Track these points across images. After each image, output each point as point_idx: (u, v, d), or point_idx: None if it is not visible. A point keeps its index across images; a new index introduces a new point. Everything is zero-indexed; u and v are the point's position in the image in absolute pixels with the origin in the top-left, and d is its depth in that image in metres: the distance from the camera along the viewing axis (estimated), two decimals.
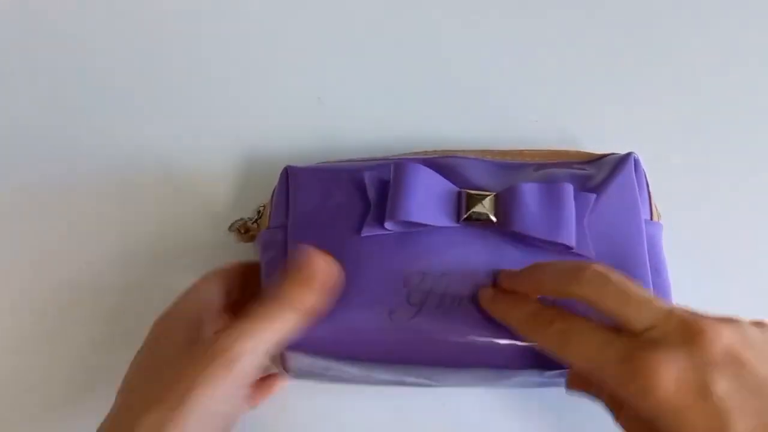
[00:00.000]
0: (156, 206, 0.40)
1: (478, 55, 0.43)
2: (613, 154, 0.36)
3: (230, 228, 0.37)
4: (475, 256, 0.31)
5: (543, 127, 0.42)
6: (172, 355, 0.29)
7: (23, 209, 0.40)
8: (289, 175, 0.34)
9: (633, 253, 0.32)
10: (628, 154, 0.35)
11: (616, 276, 0.26)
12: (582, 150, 0.37)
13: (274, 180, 0.36)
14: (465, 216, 0.31)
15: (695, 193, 0.40)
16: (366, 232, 0.31)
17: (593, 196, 0.32)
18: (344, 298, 0.30)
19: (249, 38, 0.44)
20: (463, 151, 0.36)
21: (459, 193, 0.32)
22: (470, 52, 0.43)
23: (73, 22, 0.44)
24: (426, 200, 0.31)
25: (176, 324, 0.30)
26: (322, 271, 0.30)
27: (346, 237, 0.32)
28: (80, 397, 0.37)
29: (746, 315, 0.26)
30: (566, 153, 0.36)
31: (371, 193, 0.32)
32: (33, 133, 0.41)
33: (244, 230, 0.37)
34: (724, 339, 0.24)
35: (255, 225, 0.36)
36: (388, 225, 0.31)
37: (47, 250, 0.39)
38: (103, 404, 0.29)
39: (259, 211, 0.36)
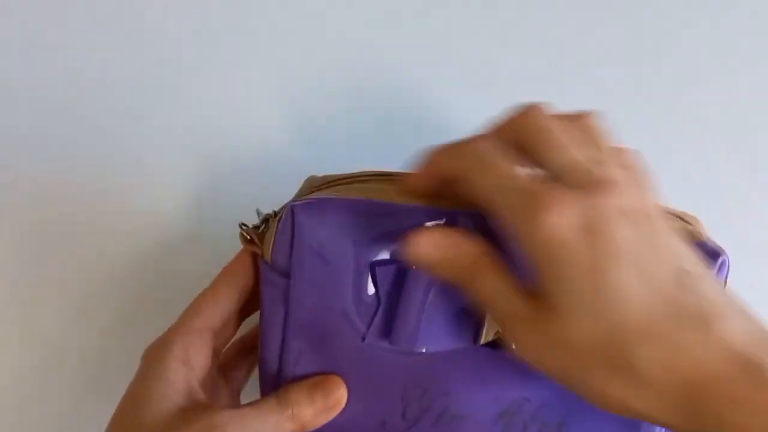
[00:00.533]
0: (160, 203, 0.40)
1: (477, 53, 0.42)
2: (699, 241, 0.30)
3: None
4: (485, 378, 0.29)
5: None
6: (157, 413, 0.27)
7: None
8: (294, 221, 0.29)
9: None
10: (717, 254, 0.29)
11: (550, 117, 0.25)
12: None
13: (272, 180, 0.35)
14: (482, 341, 0.28)
15: (695, 194, 0.39)
16: (369, 340, 0.29)
17: None
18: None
19: (248, 36, 0.42)
20: None
21: (480, 320, 0.28)
22: (470, 47, 0.42)
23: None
24: (439, 327, 0.28)
25: (167, 362, 0.29)
26: (335, 399, 0.30)
27: (347, 333, 0.29)
28: None
29: None
30: None
31: (381, 293, 0.28)
32: (36, 135, 0.41)
33: (248, 237, 0.32)
34: (633, 195, 0.23)
35: (257, 237, 0.31)
36: (394, 348, 0.28)
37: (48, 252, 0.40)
38: None
39: (267, 219, 0.31)
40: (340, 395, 0.30)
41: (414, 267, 0.27)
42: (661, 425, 0.24)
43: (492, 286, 0.26)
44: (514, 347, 0.26)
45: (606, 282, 0.23)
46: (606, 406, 0.24)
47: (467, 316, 0.28)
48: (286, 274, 0.29)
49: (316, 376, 0.30)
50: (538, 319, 0.24)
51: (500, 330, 0.27)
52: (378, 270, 0.28)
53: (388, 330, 0.28)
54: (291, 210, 0.29)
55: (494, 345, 0.29)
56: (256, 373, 0.34)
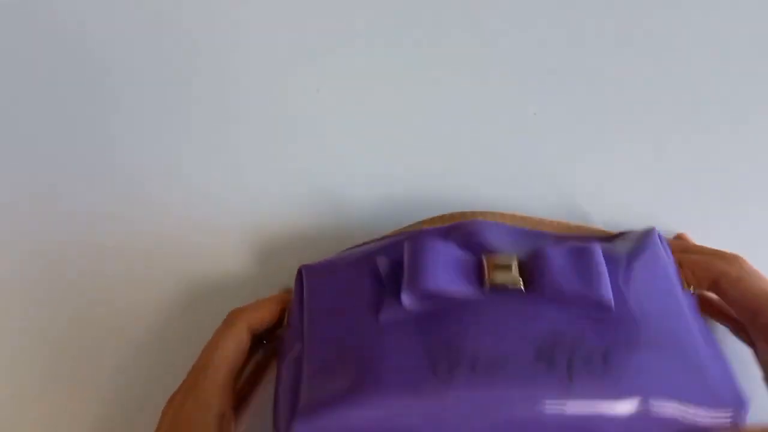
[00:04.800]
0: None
1: (478, 54, 0.42)
2: (631, 231, 0.35)
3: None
4: (504, 324, 0.29)
5: (541, 121, 0.41)
6: None
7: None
8: (303, 276, 0.33)
9: (677, 320, 0.30)
10: (651, 229, 0.34)
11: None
12: (601, 228, 0.36)
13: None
14: (489, 284, 0.29)
15: (693, 195, 0.40)
16: (384, 315, 0.30)
17: (623, 257, 0.31)
18: (366, 385, 0.28)
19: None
20: (482, 213, 0.34)
21: (479, 261, 0.30)
22: (470, 52, 0.42)
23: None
24: (444, 270, 0.29)
25: (190, 415, 0.30)
26: None
27: (365, 328, 0.30)
28: None
29: None
30: (587, 228, 0.35)
31: (386, 277, 0.31)
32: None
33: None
34: None
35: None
36: (405, 301, 0.29)
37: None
38: None
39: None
40: None
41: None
42: None
43: None
44: None
45: None
46: None
47: (471, 268, 0.30)
48: (301, 334, 0.32)
49: None
50: None
51: None
52: (379, 262, 0.31)
53: (399, 300, 0.30)
54: (300, 271, 0.34)
55: (503, 290, 0.30)
56: None
